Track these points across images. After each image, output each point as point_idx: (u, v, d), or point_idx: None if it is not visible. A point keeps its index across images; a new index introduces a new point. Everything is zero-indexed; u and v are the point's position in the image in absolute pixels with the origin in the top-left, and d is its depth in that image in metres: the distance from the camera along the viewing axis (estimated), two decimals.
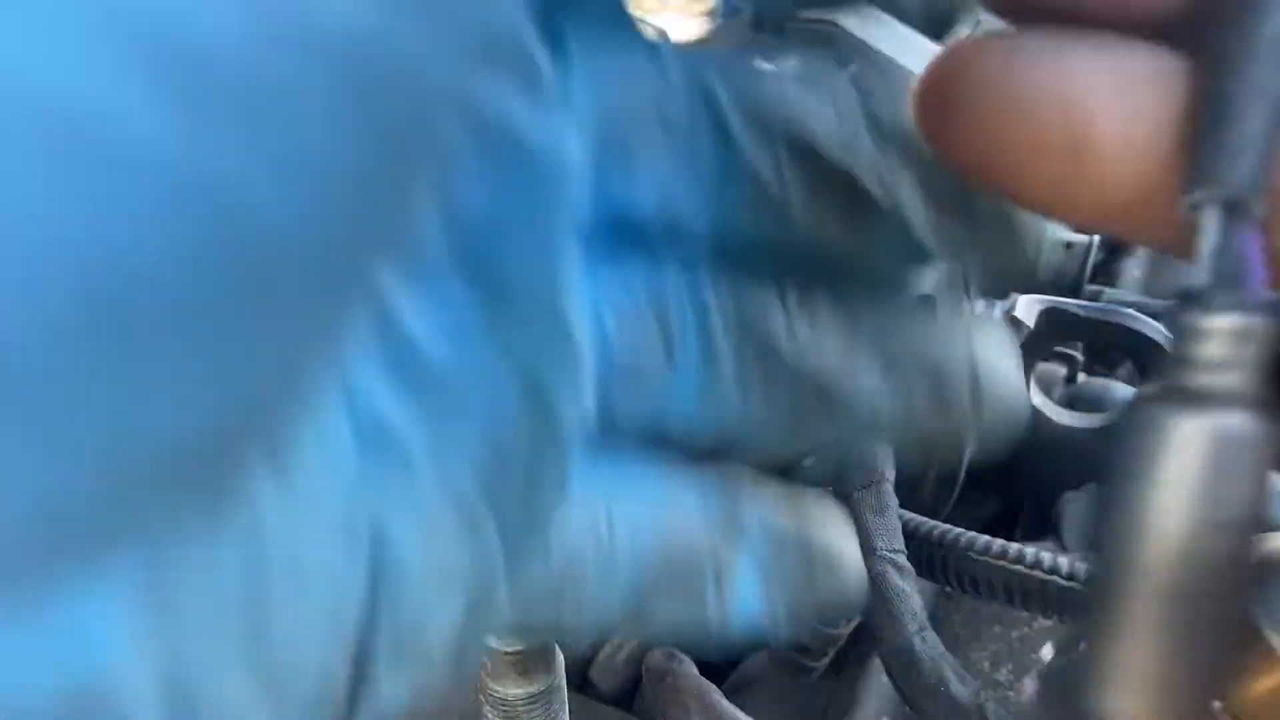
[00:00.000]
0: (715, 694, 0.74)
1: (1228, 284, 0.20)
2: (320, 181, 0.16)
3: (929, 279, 0.30)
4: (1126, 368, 0.97)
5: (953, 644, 0.72)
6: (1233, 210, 0.20)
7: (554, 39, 0.23)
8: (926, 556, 0.77)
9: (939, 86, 0.23)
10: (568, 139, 0.22)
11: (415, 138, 0.17)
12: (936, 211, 0.26)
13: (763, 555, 0.29)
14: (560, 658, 0.56)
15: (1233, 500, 0.20)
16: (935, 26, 1.31)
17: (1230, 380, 0.20)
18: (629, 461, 0.27)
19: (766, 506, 0.30)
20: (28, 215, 0.13)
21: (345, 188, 0.16)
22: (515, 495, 0.23)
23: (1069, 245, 1.03)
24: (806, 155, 0.24)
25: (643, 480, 0.28)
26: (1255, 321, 0.20)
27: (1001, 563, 0.74)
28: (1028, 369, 0.86)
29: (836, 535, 0.32)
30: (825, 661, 0.85)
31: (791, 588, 0.29)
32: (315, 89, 0.15)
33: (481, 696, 0.56)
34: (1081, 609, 0.23)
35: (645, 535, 0.27)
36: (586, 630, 0.27)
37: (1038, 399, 0.88)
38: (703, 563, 0.27)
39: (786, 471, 0.94)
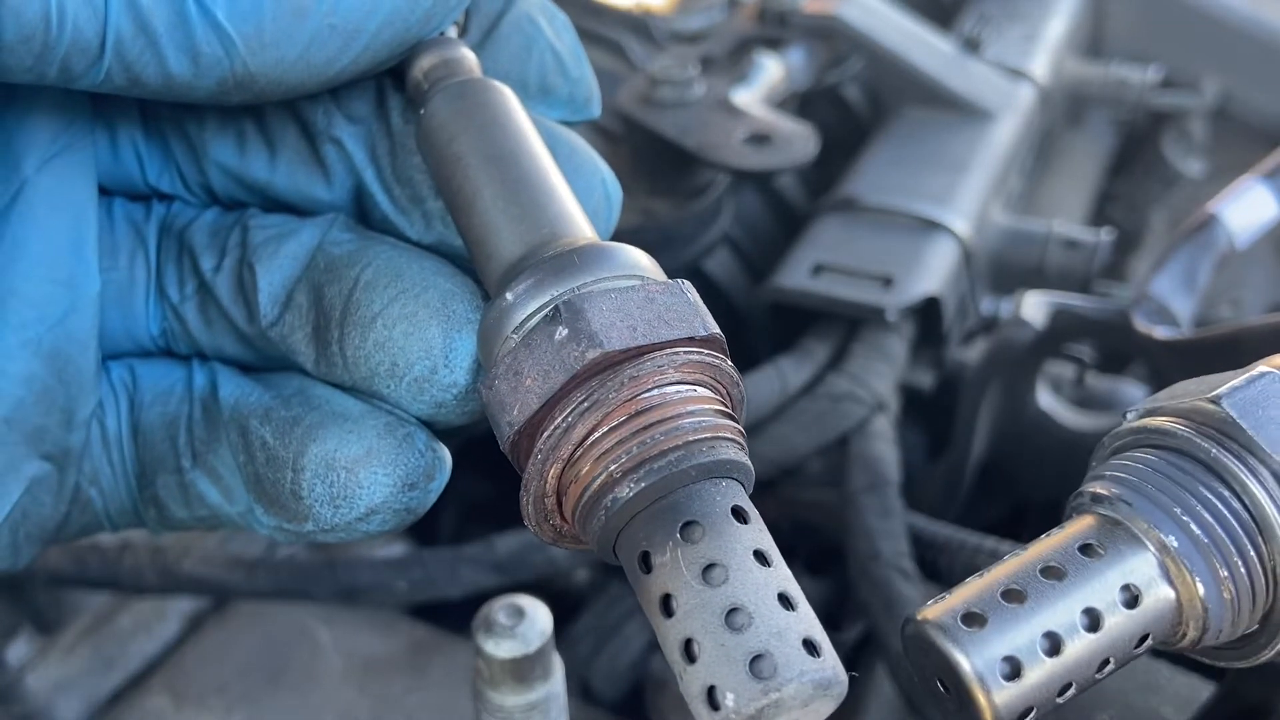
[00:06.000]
0: None
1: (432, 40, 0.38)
2: None
3: None
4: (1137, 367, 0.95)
5: None
6: None
7: None
8: (932, 560, 0.76)
9: None
10: None
11: None
12: None
13: None
14: (560, 664, 0.55)
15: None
16: (938, 16, 1.29)
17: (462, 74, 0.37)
18: None
19: None
20: None
21: None
22: None
23: (1075, 244, 1.02)
24: None
25: None
26: (456, 54, 0.38)
27: None
28: (1036, 369, 0.85)
29: None
30: None
31: None
32: None
33: (478, 705, 0.54)
34: None
35: None
36: None
37: (1046, 400, 0.87)
38: None
39: (790, 472, 0.92)
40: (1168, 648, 0.35)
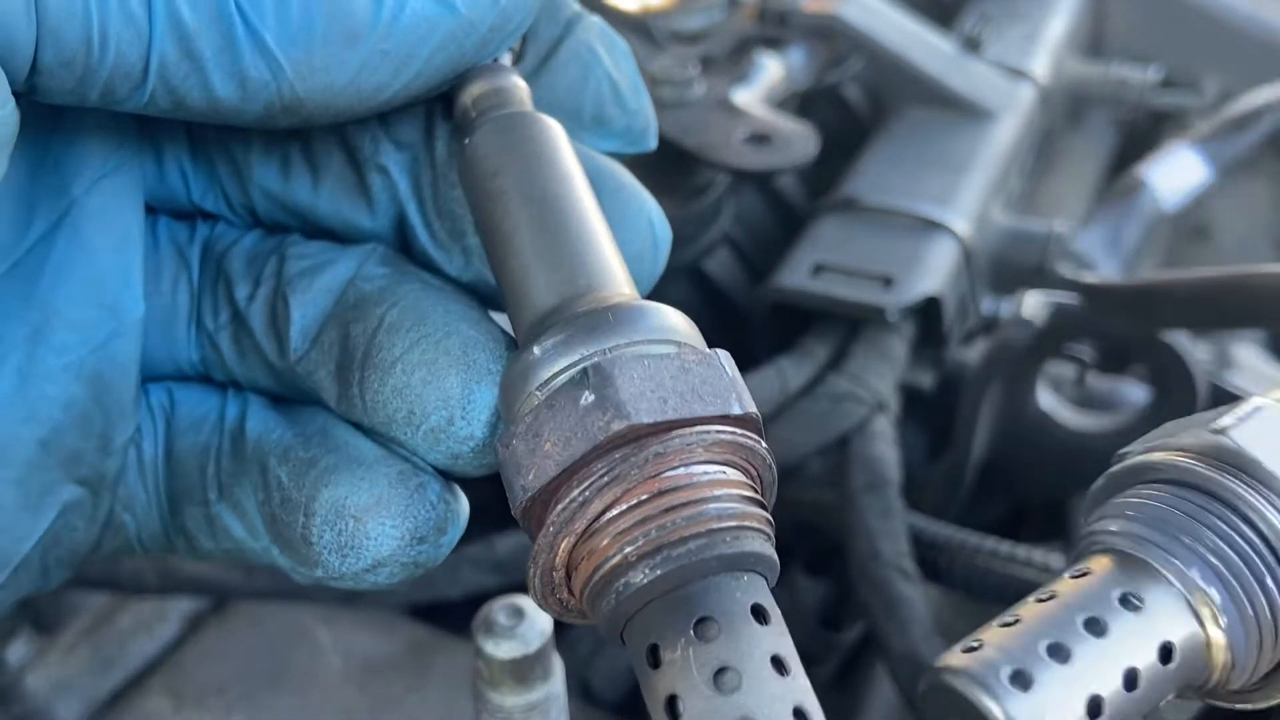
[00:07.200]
0: None
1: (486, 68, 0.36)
2: None
3: None
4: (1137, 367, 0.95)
5: None
6: None
7: None
8: (933, 560, 0.76)
9: None
10: None
11: None
12: None
13: None
14: (560, 665, 0.55)
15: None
16: (939, 16, 1.29)
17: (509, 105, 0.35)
18: None
19: None
20: None
21: None
22: None
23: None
24: None
25: None
26: (507, 83, 0.36)
27: (1009, 566, 0.73)
28: (1036, 369, 0.85)
29: None
30: (830, 669, 0.84)
31: None
32: None
33: (478, 705, 0.54)
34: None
35: None
36: None
37: (1046, 400, 0.87)
38: None
39: (790, 472, 0.92)
40: (1191, 694, 0.34)
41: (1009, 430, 0.87)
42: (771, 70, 1.06)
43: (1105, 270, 0.80)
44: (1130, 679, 0.32)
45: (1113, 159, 1.37)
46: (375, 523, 0.33)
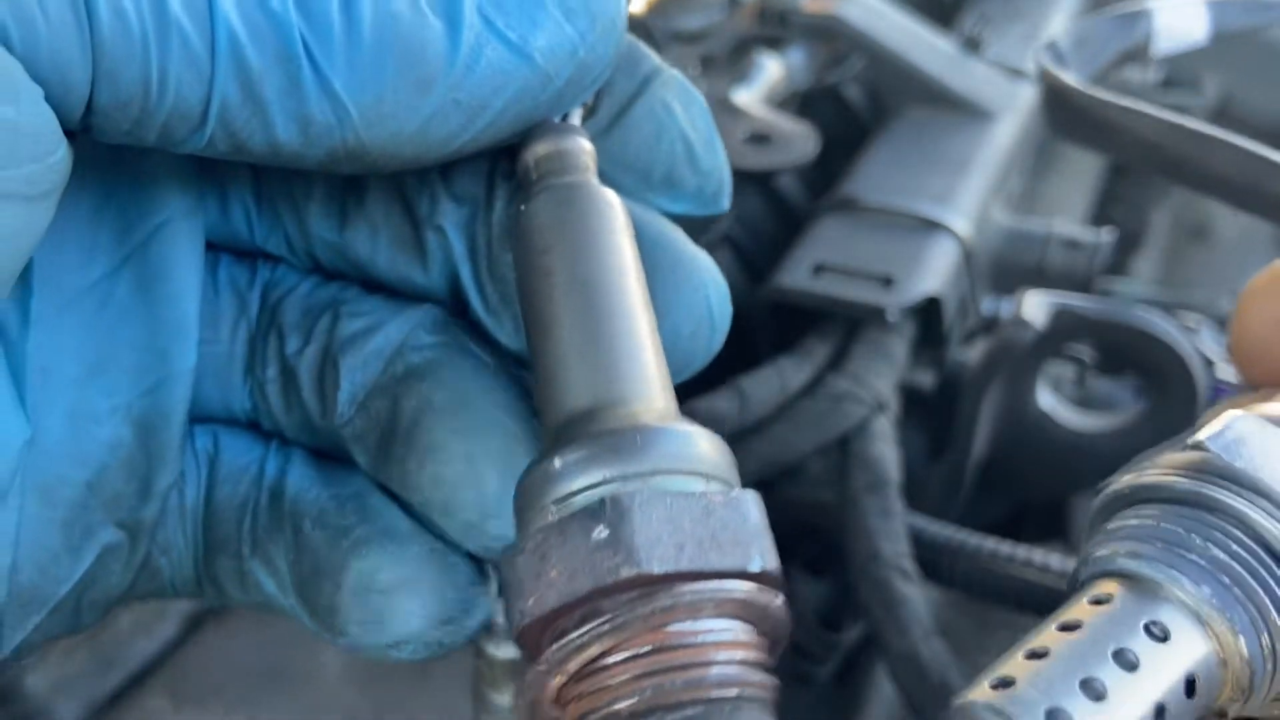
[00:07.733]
0: None
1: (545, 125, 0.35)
2: None
3: None
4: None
5: (960, 649, 0.70)
6: None
7: None
8: (933, 560, 0.76)
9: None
10: None
11: None
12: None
13: None
14: None
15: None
16: (939, 15, 1.29)
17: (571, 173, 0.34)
18: None
19: None
20: None
21: None
22: None
23: (1076, 244, 1.02)
24: None
25: None
26: (572, 145, 0.34)
27: (1010, 567, 0.73)
28: (1037, 369, 0.85)
29: None
30: (830, 669, 0.84)
31: None
32: None
33: (478, 706, 0.54)
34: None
35: None
36: None
37: (1046, 400, 0.87)
38: None
39: (790, 472, 0.92)
40: (1211, 718, 0.33)
41: (1009, 430, 0.87)
42: (771, 70, 1.06)
43: (1076, 69, 0.79)
44: (1159, 714, 0.31)
45: (1113, 159, 1.37)
46: (402, 600, 0.33)
